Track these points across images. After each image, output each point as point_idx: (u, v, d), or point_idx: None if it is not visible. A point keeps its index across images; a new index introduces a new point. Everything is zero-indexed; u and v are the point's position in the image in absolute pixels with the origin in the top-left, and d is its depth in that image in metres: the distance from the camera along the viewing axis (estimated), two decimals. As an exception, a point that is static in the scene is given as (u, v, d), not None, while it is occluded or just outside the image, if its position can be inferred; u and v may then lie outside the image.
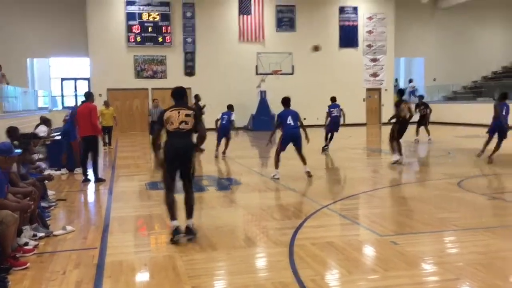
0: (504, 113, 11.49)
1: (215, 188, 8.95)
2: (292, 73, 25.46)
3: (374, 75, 27.39)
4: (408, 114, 11.31)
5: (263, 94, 24.69)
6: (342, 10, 26.76)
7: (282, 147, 9.58)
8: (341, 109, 14.69)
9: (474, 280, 4.24)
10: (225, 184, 9.43)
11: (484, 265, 4.54)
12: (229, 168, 11.94)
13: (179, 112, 5.54)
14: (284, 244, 5.26)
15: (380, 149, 16.53)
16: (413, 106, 13.79)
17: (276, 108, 25.29)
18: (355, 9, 26.87)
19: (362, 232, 5.97)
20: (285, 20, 26.17)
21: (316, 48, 18.41)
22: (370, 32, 27.12)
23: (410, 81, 29.51)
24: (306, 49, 26.11)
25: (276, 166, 9.59)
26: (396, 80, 29.97)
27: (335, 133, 14.67)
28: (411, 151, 16.35)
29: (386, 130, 15.64)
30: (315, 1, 26.25)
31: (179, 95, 5.80)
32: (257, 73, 25.14)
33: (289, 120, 9.49)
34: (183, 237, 5.42)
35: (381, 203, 7.64)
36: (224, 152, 13.53)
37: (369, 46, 27.15)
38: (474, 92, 28.40)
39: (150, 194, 8.41)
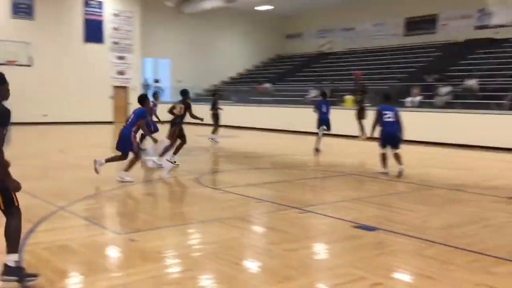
0: (392, 119, 9.71)
1: None
2: (30, 65, 23.35)
3: (121, 73, 27.14)
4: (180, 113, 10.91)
5: (-6, 86, 21.96)
6: (86, 3, 25.68)
7: None
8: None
9: (207, 269, 4.52)
10: None
11: (216, 254, 4.87)
12: None
13: None
14: (11, 252, 4.71)
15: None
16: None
17: (11, 102, 22.85)
18: (100, 3, 26.12)
19: (101, 232, 5.79)
20: (22, 7, 23.77)
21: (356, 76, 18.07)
22: (116, 29, 26.73)
23: (156, 81, 30.24)
24: (46, 40, 24.23)
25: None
26: (146, 79, 30.37)
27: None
28: (153, 149, 16.68)
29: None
30: (57, -10, 24.61)
31: None
32: (-13, 63, 22.25)
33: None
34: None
35: (122, 202, 7.58)
36: None
37: (116, 43, 26.76)
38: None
39: None
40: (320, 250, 5.32)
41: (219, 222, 6.14)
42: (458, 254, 4.97)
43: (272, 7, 29.09)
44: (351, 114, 16.79)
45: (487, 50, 22.45)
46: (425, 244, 5.26)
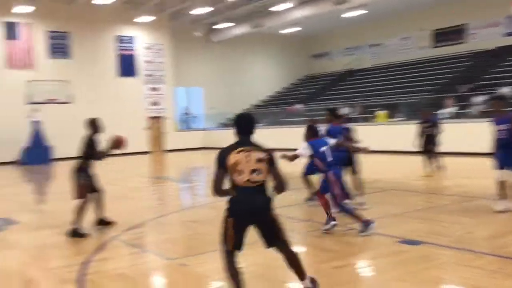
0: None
1: (-16, 231, 7.94)
2: (70, 102, 24.30)
3: (155, 103, 27.84)
4: None
5: (36, 124, 22.88)
6: (119, 39, 26.66)
7: None
8: None
9: (256, 289, 4.66)
10: (-3, 225, 8.45)
11: (263, 275, 5.01)
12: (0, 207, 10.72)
13: (248, 155, 3.92)
14: (71, 281, 4.99)
15: (165, 176, 16.82)
16: None
17: (53, 138, 23.81)
18: (131, 38, 27.05)
19: (152, 258, 6.02)
20: (59, 47, 24.84)
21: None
22: (148, 61, 27.57)
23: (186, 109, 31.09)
24: (84, 77, 25.18)
25: None
26: (187, 108, 31.15)
27: None
28: (194, 176, 17.07)
29: (170, 157, 16.00)
30: (90, 29, 25.58)
31: (247, 126, 4.09)
32: (28, 102, 23.27)
33: None
34: None
35: (169, 229, 7.81)
36: None
37: (149, 75, 27.56)
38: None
39: None
40: (368, 266, 5.40)
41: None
42: (507, 263, 4.96)
43: (298, 29, 29.47)
44: (383, 129, 16.73)
45: (519, 56, 22.13)
46: (472, 255, 5.27)
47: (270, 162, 3.96)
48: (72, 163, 7.43)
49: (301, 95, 31.32)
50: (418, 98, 22.40)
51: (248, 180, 3.90)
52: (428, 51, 27.47)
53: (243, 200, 3.95)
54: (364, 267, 5.38)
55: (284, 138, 24.78)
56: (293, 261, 4.17)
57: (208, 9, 25.11)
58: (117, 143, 7.29)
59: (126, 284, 4.97)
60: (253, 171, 3.89)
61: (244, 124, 4.09)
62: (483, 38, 24.96)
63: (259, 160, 3.91)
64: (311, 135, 6.75)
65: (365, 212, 8.39)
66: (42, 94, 23.54)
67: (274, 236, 4.08)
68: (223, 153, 3.98)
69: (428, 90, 23.32)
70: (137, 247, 6.48)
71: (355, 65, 31.32)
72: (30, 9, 22.85)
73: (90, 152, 7.17)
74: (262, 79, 33.37)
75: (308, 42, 34.25)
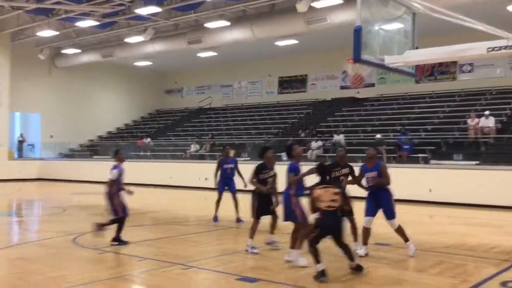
0: None
1: None
2: None
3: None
4: None
5: None
6: None
7: None
8: None
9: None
10: None
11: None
12: None
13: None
14: None
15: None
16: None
17: None
18: (-36, 54, 24.36)
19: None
20: None
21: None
22: (-19, 81, 24.96)
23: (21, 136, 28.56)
24: None
25: None
26: (22, 135, 28.41)
27: None
28: (25, 209, 15.68)
29: (1, 188, 14.53)
30: None
31: None
32: None
33: None
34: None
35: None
36: None
37: (-20, 96, 24.92)
38: (90, 150, 29.63)
39: None
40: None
41: (99, 284, 5.92)
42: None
43: (151, 63, 29.32)
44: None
45: (350, 108, 24.67)
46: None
47: None
48: None
49: (151, 129, 30.93)
50: (264, 139, 23.58)
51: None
52: (274, 97, 29.28)
53: None
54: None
55: (130, 171, 24.09)
56: None
57: (53, 33, 23.68)
58: None
59: None
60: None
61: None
62: (321, 89, 27.43)
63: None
64: None
65: (205, 249, 8.43)
66: None
67: None
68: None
69: (273, 133, 24.69)
70: None
71: (206, 104, 32.00)
72: None
73: None
74: (111, 110, 32.27)
75: (161, 76, 34.23)
